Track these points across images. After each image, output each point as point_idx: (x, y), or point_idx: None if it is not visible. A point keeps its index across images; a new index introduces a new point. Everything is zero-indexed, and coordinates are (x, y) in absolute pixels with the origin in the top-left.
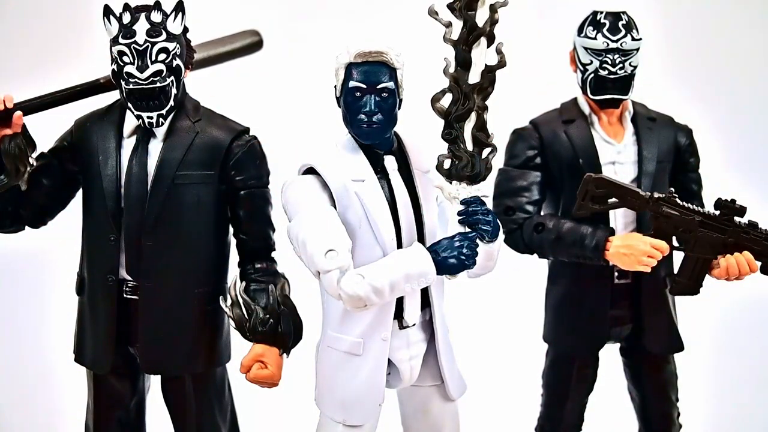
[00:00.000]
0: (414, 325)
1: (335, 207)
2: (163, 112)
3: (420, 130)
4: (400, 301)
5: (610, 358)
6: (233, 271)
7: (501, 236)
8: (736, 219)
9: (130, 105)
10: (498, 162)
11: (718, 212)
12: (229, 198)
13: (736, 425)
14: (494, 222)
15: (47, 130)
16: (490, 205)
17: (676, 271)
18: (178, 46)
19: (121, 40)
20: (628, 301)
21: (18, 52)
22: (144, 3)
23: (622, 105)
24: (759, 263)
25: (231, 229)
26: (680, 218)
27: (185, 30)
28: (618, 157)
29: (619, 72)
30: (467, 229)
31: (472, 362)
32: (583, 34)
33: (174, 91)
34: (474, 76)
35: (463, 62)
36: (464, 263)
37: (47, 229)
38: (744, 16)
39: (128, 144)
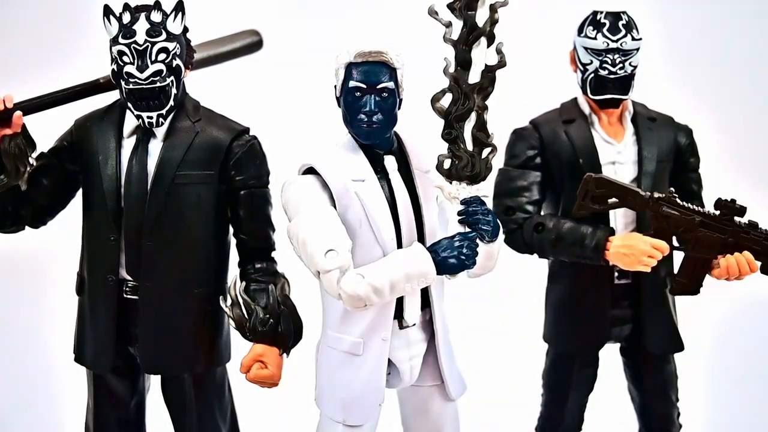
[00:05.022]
0: (414, 325)
1: (335, 207)
2: (163, 112)
3: (420, 130)
4: (400, 301)
5: (610, 358)
6: (233, 271)
7: (501, 236)
8: (736, 219)
9: (130, 105)
10: (498, 162)
11: (718, 212)
12: (229, 198)
13: (736, 425)
14: (494, 222)
15: (47, 130)
16: (490, 204)
17: (676, 271)
18: (178, 46)
19: (121, 40)
20: (628, 301)
21: (18, 51)
22: (144, 3)
23: (622, 105)
24: (759, 263)
25: (231, 229)
26: (680, 218)
27: (185, 30)
28: (618, 157)
29: (619, 72)
30: (467, 229)
31: (472, 362)
32: (583, 34)
33: (174, 91)
34: (474, 76)
35: (463, 62)
36: (464, 263)
37: (47, 229)
38: (743, 16)
39: (128, 144)
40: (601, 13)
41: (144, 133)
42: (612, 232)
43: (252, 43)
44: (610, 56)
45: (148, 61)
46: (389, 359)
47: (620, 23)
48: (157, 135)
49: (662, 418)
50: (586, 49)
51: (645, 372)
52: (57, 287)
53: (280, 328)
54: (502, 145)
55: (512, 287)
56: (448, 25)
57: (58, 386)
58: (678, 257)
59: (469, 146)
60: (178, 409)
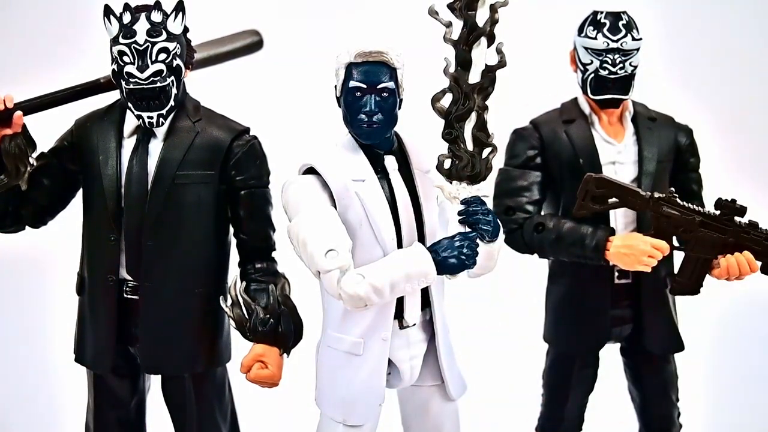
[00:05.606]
0: (414, 325)
1: (335, 207)
2: (164, 111)
3: (420, 130)
4: (400, 301)
5: (610, 358)
6: (233, 271)
7: (501, 236)
8: (737, 219)
9: (130, 105)
10: (498, 162)
11: (718, 212)
12: (229, 198)
13: (736, 425)
14: (494, 222)
15: (47, 130)
16: (490, 204)
17: (676, 271)
18: (178, 45)
19: (121, 40)
20: (628, 301)
21: (18, 52)
22: (144, 3)
23: (623, 105)
24: (759, 263)
25: (231, 229)
26: (680, 218)
27: (185, 30)
28: (618, 157)
29: (619, 72)
30: (467, 229)
31: (472, 362)
32: (583, 34)
33: (174, 90)
34: (474, 76)
35: (464, 62)
36: (464, 263)
37: (47, 229)
38: (743, 16)
39: (128, 144)
40: (602, 13)
41: (144, 133)
42: (612, 232)
43: (252, 43)
44: (611, 56)
45: (149, 61)
46: (389, 359)
47: (620, 23)
48: (157, 135)
49: (662, 418)
50: (586, 49)
51: (645, 372)
52: (57, 287)
53: (281, 328)
54: (502, 145)
55: (512, 287)
56: (449, 25)
57: (58, 386)
58: (678, 257)
59: (470, 146)
60: (178, 409)
